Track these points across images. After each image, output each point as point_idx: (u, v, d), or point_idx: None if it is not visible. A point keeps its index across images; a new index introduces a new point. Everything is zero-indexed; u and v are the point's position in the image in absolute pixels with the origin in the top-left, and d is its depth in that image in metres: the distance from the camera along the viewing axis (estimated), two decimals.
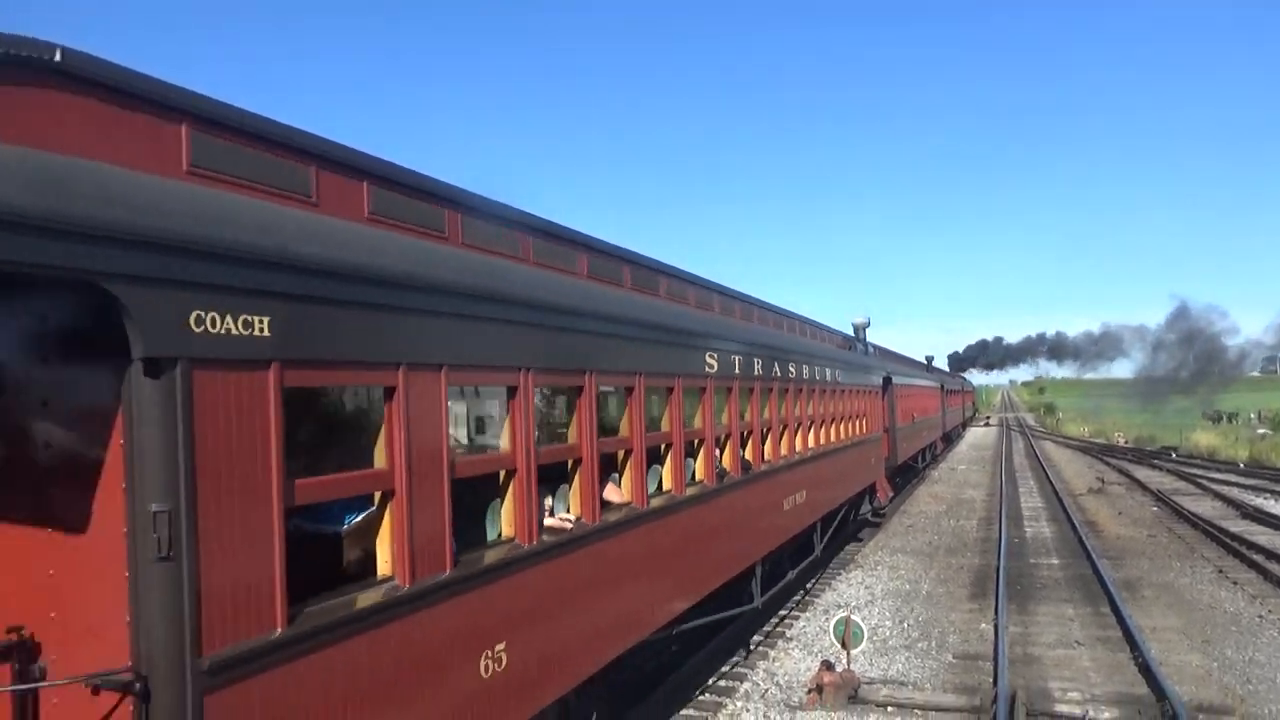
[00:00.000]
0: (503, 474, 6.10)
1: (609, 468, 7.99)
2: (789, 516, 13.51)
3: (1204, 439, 55.15)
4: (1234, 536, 20.91)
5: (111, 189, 3.38)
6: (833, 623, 11.42)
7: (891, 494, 25.53)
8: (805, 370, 14.40)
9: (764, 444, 12.24)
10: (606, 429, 7.66)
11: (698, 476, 9.76)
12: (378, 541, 4.89)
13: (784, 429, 13.24)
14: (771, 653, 12.82)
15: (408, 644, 4.82)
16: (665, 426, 8.89)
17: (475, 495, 5.95)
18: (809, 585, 17.03)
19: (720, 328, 11.03)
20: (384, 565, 4.87)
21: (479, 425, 7.23)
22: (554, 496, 7.01)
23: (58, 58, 3.65)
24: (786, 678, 11.59)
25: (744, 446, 11.38)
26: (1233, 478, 36.07)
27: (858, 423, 19.47)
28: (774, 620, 14.61)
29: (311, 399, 5.13)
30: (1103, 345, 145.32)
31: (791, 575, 14.94)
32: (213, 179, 4.38)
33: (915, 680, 11.41)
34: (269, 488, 3.96)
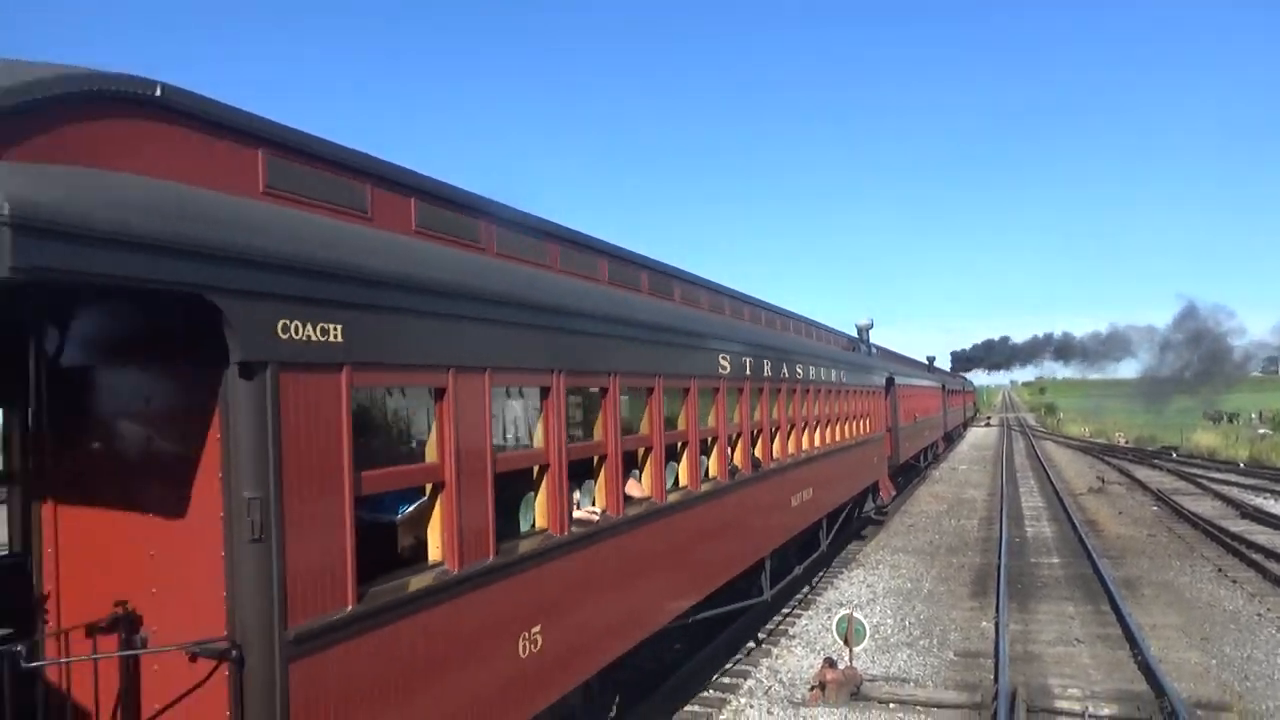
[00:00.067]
0: (536, 468, 6.54)
1: (630, 464, 8.41)
2: (797, 513, 13.93)
3: (1204, 439, 55.28)
4: (1233, 536, 21.07)
5: (216, 212, 3.82)
6: (835, 620, 11.56)
7: (894, 492, 25.90)
8: (812, 371, 14.82)
9: (773, 443, 12.67)
10: (628, 428, 8.08)
11: (711, 473, 10.17)
12: (429, 529, 5.33)
13: (792, 428, 13.66)
14: (775, 650, 13.01)
15: (456, 623, 5.25)
16: (681, 425, 9.31)
17: (512, 488, 6.38)
18: (814, 581, 17.35)
19: (732, 330, 11.45)
20: (435, 551, 5.30)
21: (511, 424, 7.65)
22: (580, 490, 7.44)
23: (158, 93, 4.08)
24: (789, 674, 11.75)
25: (754, 445, 11.79)
26: (1233, 477, 36.24)
27: (862, 422, 19.89)
28: (777, 618, 14.82)
29: (375, 399, 5.57)
30: (1110, 345, 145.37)
31: (798, 570, 15.33)
32: (285, 199, 4.81)
33: (917, 677, 11.54)
34: (342, 478, 4.40)
